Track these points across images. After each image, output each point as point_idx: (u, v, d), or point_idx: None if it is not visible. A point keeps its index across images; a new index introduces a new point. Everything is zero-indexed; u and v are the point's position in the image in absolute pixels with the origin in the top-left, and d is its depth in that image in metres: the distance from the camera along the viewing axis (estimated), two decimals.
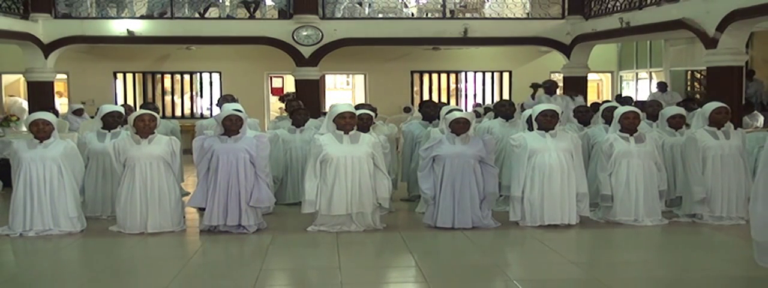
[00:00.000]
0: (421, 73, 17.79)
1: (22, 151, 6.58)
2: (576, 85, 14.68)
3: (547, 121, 6.81)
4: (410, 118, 10.61)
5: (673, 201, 7.47)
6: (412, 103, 17.18)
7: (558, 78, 17.66)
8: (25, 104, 15.47)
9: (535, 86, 12.68)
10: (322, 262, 5.70)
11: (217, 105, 9.35)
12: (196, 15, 14.90)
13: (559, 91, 12.89)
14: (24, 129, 10.50)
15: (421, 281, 5.11)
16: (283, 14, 14.68)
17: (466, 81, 18.14)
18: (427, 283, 4.97)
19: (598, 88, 19.53)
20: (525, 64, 17.55)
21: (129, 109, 10.10)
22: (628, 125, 6.95)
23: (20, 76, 16.02)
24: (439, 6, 15.40)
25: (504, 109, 8.26)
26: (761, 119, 11.87)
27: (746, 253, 4.79)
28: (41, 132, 6.61)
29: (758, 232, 4.14)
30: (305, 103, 10.02)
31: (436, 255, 6.04)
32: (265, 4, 15.28)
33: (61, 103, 16.66)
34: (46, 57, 13.95)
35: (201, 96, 17.71)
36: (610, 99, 15.18)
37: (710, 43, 10.31)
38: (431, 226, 6.72)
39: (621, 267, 5.55)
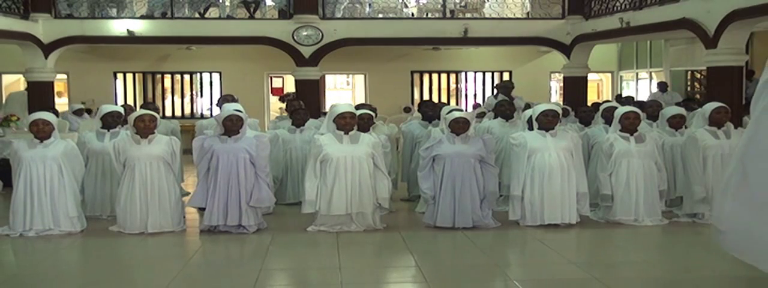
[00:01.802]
0: (421, 73, 17.79)
1: (22, 151, 6.58)
2: (577, 86, 14.67)
3: (547, 121, 6.81)
4: (410, 118, 10.61)
5: (673, 201, 7.47)
6: (412, 103, 17.18)
7: (558, 78, 17.73)
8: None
9: (497, 87, 12.70)
10: (322, 262, 5.70)
11: (217, 105, 9.35)
12: (196, 15, 14.90)
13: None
14: (25, 128, 10.50)
15: (421, 281, 5.11)
16: (283, 14, 14.68)
17: (466, 81, 18.14)
18: (427, 283, 4.97)
19: (598, 88, 19.53)
20: (525, 64, 17.55)
21: (129, 109, 10.09)
22: (629, 125, 6.95)
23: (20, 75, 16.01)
24: (439, 6, 15.39)
25: (504, 109, 8.27)
26: None
27: None
28: (41, 132, 6.61)
29: (721, 223, 4.22)
30: (305, 103, 10.02)
31: (436, 255, 6.04)
32: (265, 4, 15.27)
33: (61, 103, 16.64)
34: (46, 57, 13.95)
35: (201, 96, 17.71)
36: (610, 99, 15.18)
37: (710, 43, 10.31)
38: (431, 226, 6.72)
39: (621, 267, 5.55)
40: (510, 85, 11.22)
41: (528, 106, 10.84)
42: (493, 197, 6.86)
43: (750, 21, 9.89)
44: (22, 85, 16.85)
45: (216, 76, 17.35)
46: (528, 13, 15.34)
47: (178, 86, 17.66)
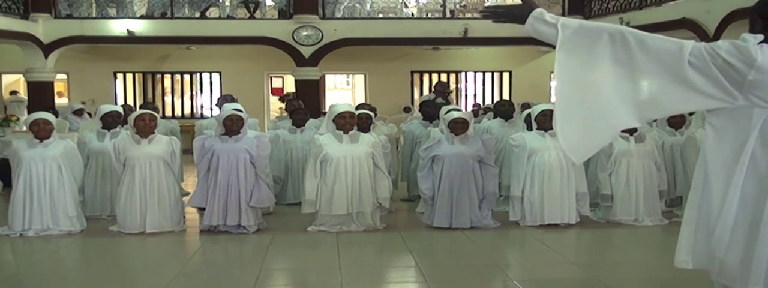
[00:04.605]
0: (421, 73, 17.79)
1: (22, 151, 6.59)
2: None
3: (545, 121, 6.81)
4: (410, 118, 10.61)
5: (673, 201, 7.47)
6: (412, 103, 17.18)
7: None
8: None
9: (435, 92, 12.68)
10: (322, 262, 5.69)
11: (216, 105, 9.35)
12: (196, 15, 14.90)
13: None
14: (24, 128, 10.51)
15: (421, 281, 5.10)
16: (283, 14, 14.70)
17: (466, 81, 18.15)
18: (427, 283, 4.97)
19: None
20: (525, 64, 17.56)
21: (129, 109, 10.10)
22: None
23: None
24: (439, 6, 15.40)
25: (503, 109, 8.27)
26: None
27: None
28: (42, 131, 6.61)
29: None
30: (305, 103, 10.02)
31: (436, 255, 6.04)
32: (265, 4, 15.29)
33: (61, 103, 16.68)
34: (46, 57, 13.97)
35: (201, 96, 17.70)
36: None
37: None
38: (430, 226, 6.72)
39: (621, 267, 5.54)
40: (446, 88, 11.25)
41: (527, 106, 10.85)
42: (493, 198, 6.85)
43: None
44: (22, 85, 16.91)
45: (216, 76, 17.35)
46: None
47: (178, 86, 17.66)
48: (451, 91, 11.35)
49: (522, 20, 3.02)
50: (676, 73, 2.83)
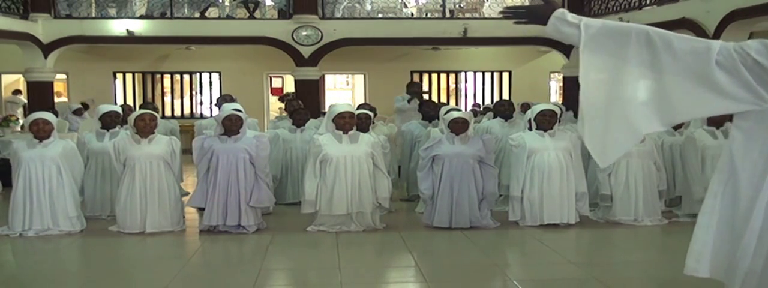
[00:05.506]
0: (421, 73, 17.78)
1: (21, 151, 6.59)
2: (577, 86, 14.59)
3: (545, 121, 6.81)
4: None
5: (672, 201, 7.47)
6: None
7: (558, 78, 17.73)
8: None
9: (409, 93, 12.68)
10: (322, 262, 5.69)
11: (216, 105, 9.34)
12: (196, 15, 14.89)
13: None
14: (18, 128, 10.53)
15: (420, 281, 5.11)
16: (283, 14, 14.68)
17: (465, 81, 18.14)
18: (426, 282, 4.97)
19: None
20: (525, 64, 17.55)
21: (129, 110, 10.10)
22: None
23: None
24: (438, 6, 15.39)
25: (503, 109, 8.28)
26: None
27: None
28: (41, 131, 6.62)
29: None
30: (305, 103, 10.01)
31: (436, 255, 6.04)
32: (264, 4, 15.27)
33: (61, 103, 16.67)
34: (45, 57, 13.96)
35: (201, 95, 17.70)
36: None
37: None
38: (430, 226, 6.72)
39: (621, 267, 5.55)
40: (420, 88, 11.26)
41: (527, 106, 10.86)
42: (492, 198, 6.86)
43: (749, 21, 9.90)
44: (22, 85, 16.92)
45: (215, 76, 17.35)
46: None
47: (177, 86, 17.65)
48: (427, 91, 11.24)
49: (544, 21, 2.91)
50: (703, 74, 2.73)
